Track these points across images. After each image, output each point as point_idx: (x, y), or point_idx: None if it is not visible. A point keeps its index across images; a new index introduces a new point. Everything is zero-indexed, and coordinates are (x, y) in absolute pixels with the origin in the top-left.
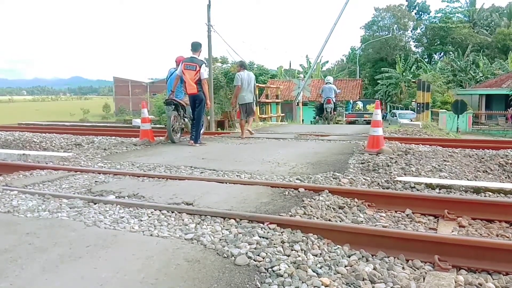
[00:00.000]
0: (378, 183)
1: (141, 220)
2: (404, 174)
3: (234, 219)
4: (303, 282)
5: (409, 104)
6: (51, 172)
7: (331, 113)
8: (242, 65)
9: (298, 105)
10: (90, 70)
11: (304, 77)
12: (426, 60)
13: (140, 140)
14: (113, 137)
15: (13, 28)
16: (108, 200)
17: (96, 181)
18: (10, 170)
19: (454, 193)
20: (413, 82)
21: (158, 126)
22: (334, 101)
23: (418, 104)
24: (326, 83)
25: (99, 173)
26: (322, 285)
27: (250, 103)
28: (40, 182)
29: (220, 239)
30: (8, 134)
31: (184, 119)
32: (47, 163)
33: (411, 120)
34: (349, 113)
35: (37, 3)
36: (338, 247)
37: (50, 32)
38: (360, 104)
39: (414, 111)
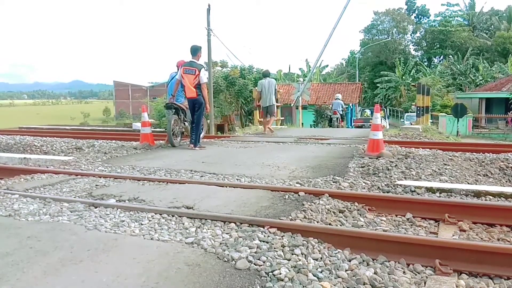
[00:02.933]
0: (378, 187)
1: (142, 224)
2: (404, 178)
3: (235, 223)
4: (303, 287)
5: (409, 108)
6: (52, 176)
7: (337, 121)
8: (264, 74)
9: (297, 108)
10: (90, 74)
11: (304, 80)
12: (426, 63)
13: (141, 143)
14: (114, 141)
15: (14, 32)
16: (108, 203)
17: (96, 185)
18: (11, 173)
19: (455, 197)
20: (412, 85)
21: (158, 129)
22: (341, 113)
23: (418, 108)
24: (336, 99)
25: (100, 177)
26: None
27: (271, 106)
28: (41, 186)
29: (220, 243)
30: (9, 138)
31: (184, 123)
32: (48, 167)
33: (411, 124)
34: (357, 118)
35: (38, 8)
36: (339, 251)
37: (51, 36)
38: (368, 112)
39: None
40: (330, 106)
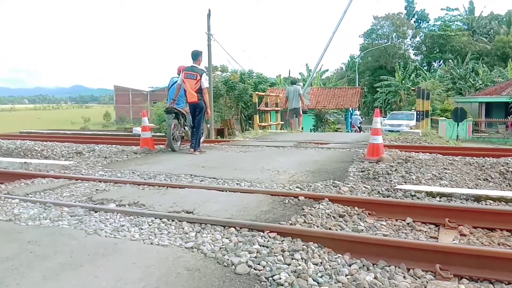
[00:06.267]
0: (379, 192)
1: (142, 229)
2: (405, 182)
3: (234, 227)
4: None
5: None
6: (52, 181)
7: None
8: (292, 82)
9: None
10: (91, 78)
11: (304, 85)
12: (426, 68)
13: (141, 148)
14: (114, 145)
15: (15, 38)
16: (108, 208)
17: (97, 190)
18: (12, 178)
19: (455, 201)
20: (412, 90)
21: (158, 134)
22: (359, 125)
23: (418, 112)
24: (354, 115)
25: (100, 182)
26: None
27: (296, 108)
28: (41, 191)
29: (220, 248)
30: (10, 143)
31: (184, 127)
32: (48, 172)
33: (411, 128)
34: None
35: (38, 13)
36: (339, 256)
37: (52, 41)
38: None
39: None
40: (350, 120)
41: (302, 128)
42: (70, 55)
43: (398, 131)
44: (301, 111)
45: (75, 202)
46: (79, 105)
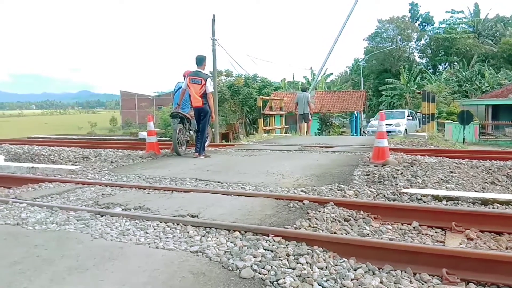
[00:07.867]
0: (384, 195)
1: (147, 233)
2: (410, 185)
3: (239, 231)
4: None
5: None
6: (59, 185)
7: None
8: (302, 89)
9: None
10: (97, 84)
11: (308, 89)
12: (431, 71)
13: (146, 152)
14: (120, 150)
15: (22, 44)
16: (114, 212)
17: (103, 194)
18: (20, 183)
19: (462, 205)
20: (418, 93)
21: (164, 138)
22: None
23: (423, 115)
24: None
25: (106, 186)
26: None
27: (305, 114)
28: (48, 195)
29: (225, 252)
30: (18, 148)
31: (189, 132)
32: (55, 176)
33: (417, 131)
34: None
35: (45, 19)
36: (344, 260)
37: (58, 47)
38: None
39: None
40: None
41: (308, 133)
42: (77, 60)
43: (389, 132)
44: (310, 116)
45: (81, 206)
46: (85, 110)
